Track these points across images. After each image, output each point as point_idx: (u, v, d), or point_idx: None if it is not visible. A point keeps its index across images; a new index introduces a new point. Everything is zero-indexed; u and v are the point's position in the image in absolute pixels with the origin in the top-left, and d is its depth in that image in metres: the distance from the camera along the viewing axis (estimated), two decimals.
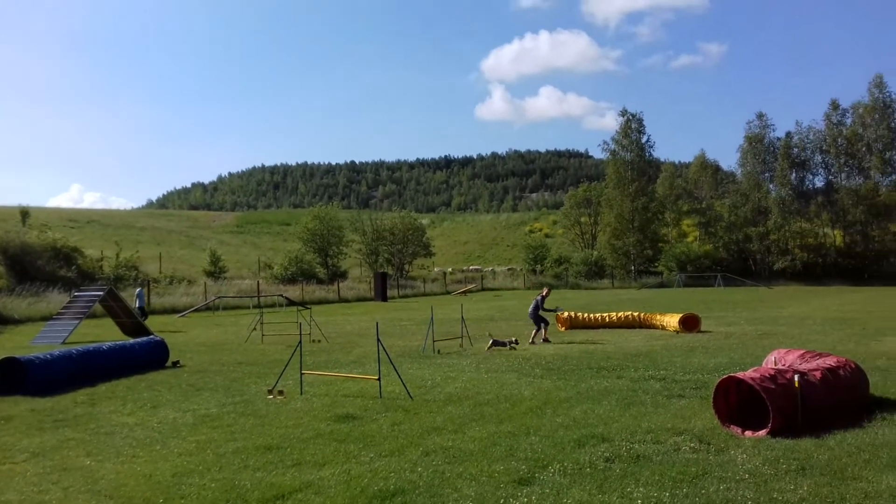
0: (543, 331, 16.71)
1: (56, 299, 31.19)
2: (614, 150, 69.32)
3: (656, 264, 67.45)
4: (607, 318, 20.21)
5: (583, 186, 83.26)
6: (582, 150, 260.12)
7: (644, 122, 68.89)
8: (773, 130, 67.10)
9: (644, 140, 68.59)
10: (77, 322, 20.24)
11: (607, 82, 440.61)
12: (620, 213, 66.36)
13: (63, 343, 18.19)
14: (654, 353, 13.76)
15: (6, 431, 8.05)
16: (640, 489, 5.36)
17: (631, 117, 68.79)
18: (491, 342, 15.45)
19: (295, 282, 47.82)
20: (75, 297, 22.85)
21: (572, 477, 5.73)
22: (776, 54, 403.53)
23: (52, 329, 19.95)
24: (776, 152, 65.65)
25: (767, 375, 7.34)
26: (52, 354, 11.84)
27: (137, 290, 26.74)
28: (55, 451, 7.05)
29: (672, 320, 18.73)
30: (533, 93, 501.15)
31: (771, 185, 66.43)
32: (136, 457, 6.76)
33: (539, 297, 17.38)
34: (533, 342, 16.30)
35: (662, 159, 76.01)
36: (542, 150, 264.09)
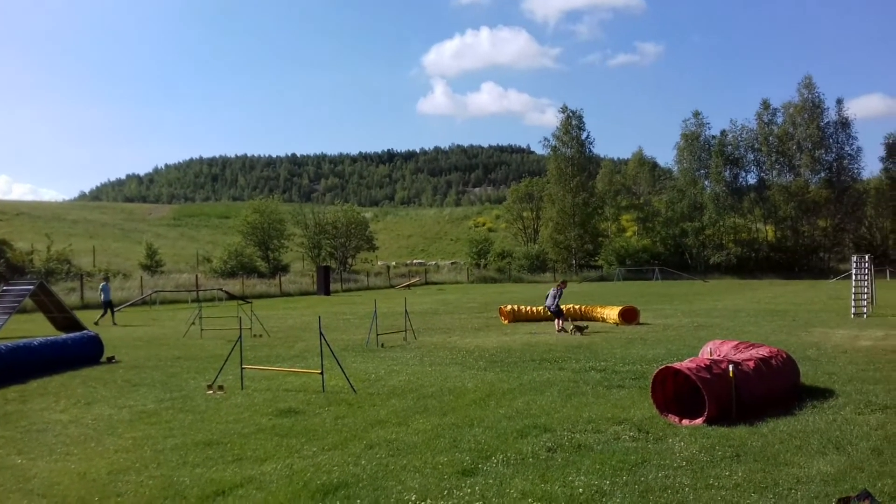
0: (561, 321, 17.43)
1: None
2: (555, 147, 70.23)
3: (596, 258, 68.71)
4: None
5: (525, 181, 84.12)
6: (524, 145, 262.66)
7: (584, 119, 70.06)
8: (709, 129, 69.08)
9: (584, 136, 69.77)
10: (6, 317, 19.46)
11: (547, 79, 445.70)
12: (562, 208, 67.31)
13: None
14: (595, 346, 14.00)
15: None
16: (582, 478, 5.45)
17: (571, 114, 69.80)
18: (573, 326, 16.86)
19: (235, 276, 47.05)
20: (4, 291, 21.95)
21: (515, 467, 5.79)
22: (711, 55, 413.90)
23: None
24: (711, 150, 67.47)
25: (703, 365, 7.54)
26: None
27: (102, 284, 25.33)
28: None
29: (612, 313, 19.09)
30: (474, 88, 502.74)
31: (706, 182, 68.34)
32: (70, 455, 6.55)
33: (557, 290, 18.02)
34: (563, 330, 17.06)
35: (602, 155, 77.65)
36: (485, 144, 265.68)
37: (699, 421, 7.16)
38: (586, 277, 61.90)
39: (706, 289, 41.86)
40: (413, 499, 5.06)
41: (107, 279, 25.98)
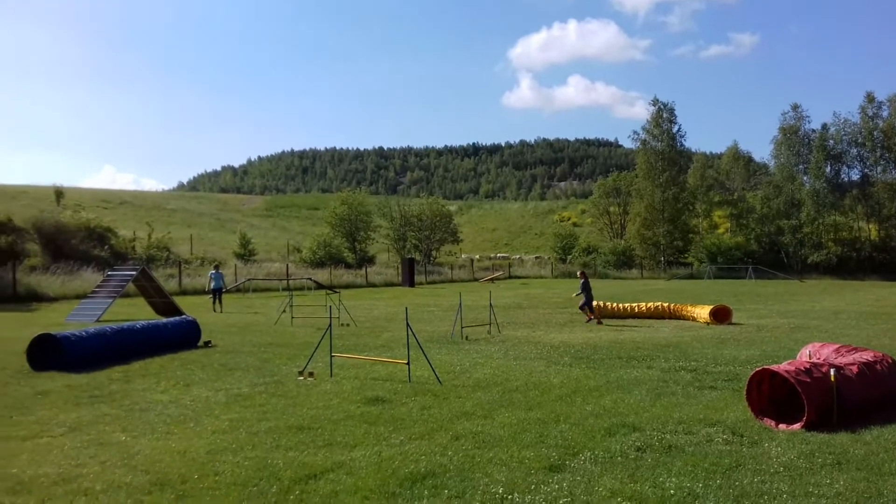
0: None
1: (90, 278, 31.79)
2: (645, 140, 68.67)
3: (686, 255, 66.87)
4: (636, 309, 20.08)
5: (612, 176, 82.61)
6: (611, 139, 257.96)
7: (675, 112, 68.15)
8: (808, 122, 65.99)
9: (675, 130, 67.92)
10: (111, 301, 20.57)
11: (636, 72, 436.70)
12: (650, 203, 65.79)
13: (97, 321, 18.52)
14: (685, 344, 13.64)
15: (44, 406, 8.21)
16: (673, 479, 5.33)
17: (662, 107, 68.07)
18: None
19: (323, 266, 48.19)
20: (109, 276, 23.21)
21: (603, 465, 5.71)
22: (810, 45, 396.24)
23: (86, 307, 20.32)
24: (811, 144, 64.49)
25: (803, 369, 7.23)
26: (86, 332, 12.03)
27: (212, 271, 25.22)
28: (91, 426, 7.18)
29: (703, 312, 18.55)
30: (561, 81, 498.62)
31: (805, 178, 65.36)
32: (171, 433, 6.86)
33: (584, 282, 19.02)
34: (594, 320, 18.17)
35: (694, 150, 75.16)
36: (571, 138, 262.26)
37: (797, 426, 6.88)
38: (675, 275, 60.33)
39: (803, 289, 40.11)
40: (500, 492, 5.06)
41: (217, 267, 25.90)
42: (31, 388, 9.26)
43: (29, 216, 40.16)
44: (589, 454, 6.00)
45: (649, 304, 20.23)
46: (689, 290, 37.08)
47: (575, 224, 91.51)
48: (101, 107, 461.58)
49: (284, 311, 19.90)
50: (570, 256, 68.17)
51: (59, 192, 54.05)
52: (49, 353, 11.05)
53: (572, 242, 71.61)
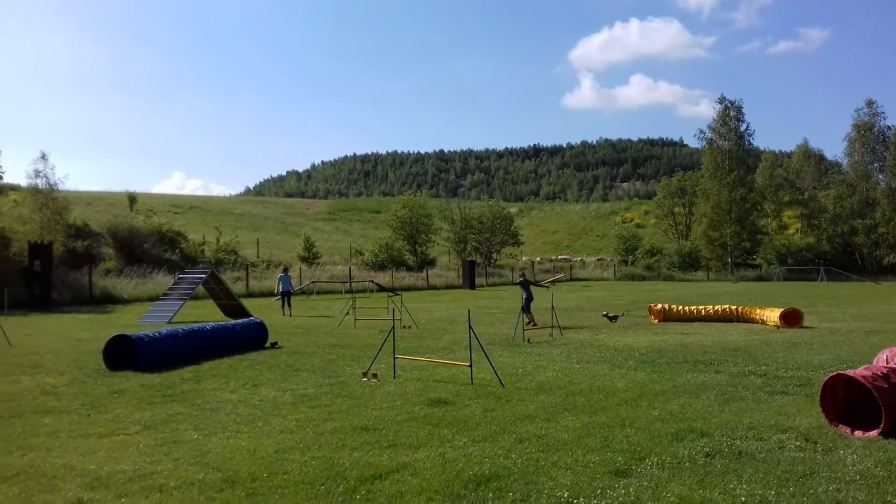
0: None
1: (161, 281, 32.85)
2: (711, 139, 67.07)
3: (754, 257, 65.01)
4: (703, 311, 19.63)
5: (677, 176, 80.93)
6: (675, 138, 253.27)
7: (743, 110, 66.37)
8: (884, 118, 63.28)
9: (743, 128, 66.09)
10: (182, 303, 21.20)
11: (701, 69, 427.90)
12: (717, 204, 64.22)
13: (169, 322, 19.11)
14: (754, 348, 13.27)
15: (119, 404, 8.52)
16: (744, 486, 5.20)
17: (729, 105, 66.39)
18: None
19: (385, 268, 48.62)
20: (180, 279, 23.95)
21: (671, 470, 5.61)
22: (883, 39, 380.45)
23: (158, 309, 20.98)
24: (887, 141, 61.91)
25: (880, 374, 6.95)
26: (159, 333, 12.43)
27: (280, 275, 24.92)
28: (165, 424, 7.42)
29: (772, 315, 18.01)
30: (623, 81, 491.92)
31: (880, 176, 62.78)
32: (240, 432, 7.03)
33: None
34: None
35: (762, 148, 73.05)
36: (634, 138, 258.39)
37: (874, 433, 6.62)
38: (743, 277, 58.73)
39: (878, 291, 38.54)
40: (566, 496, 5.02)
41: (285, 270, 25.91)
42: (108, 387, 9.62)
43: (104, 221, 41.77)
44: (656, 459, 5.90)
45: (716, 307, 19.75)
46: (757, 293, 36.05)
47: (638, 225, 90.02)
48: (172, 115, 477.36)
49: (348, 313, 20.18)
50: (634, 258, 67.06)
51: (132, 198, 56.05)
52: (124, 354, 11.46)
53: (636, 244, 70.39)
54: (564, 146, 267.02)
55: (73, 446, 6.53)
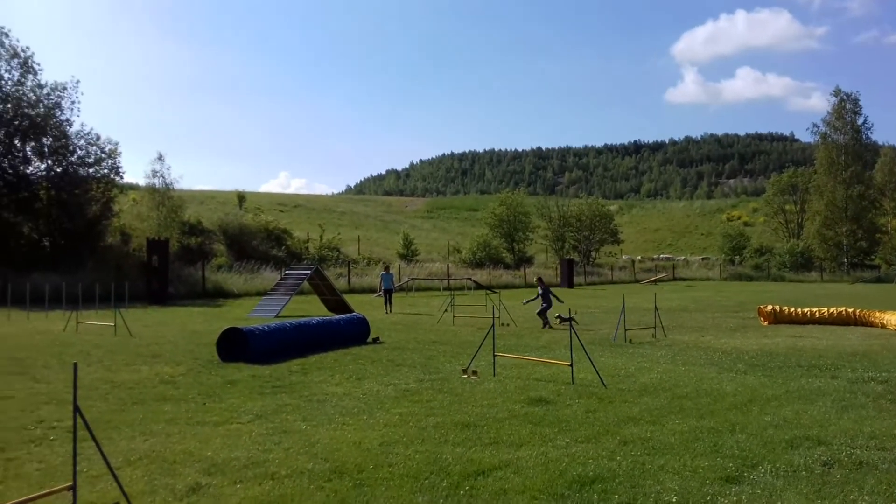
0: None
1: (268, 276, 34.11)
2: (825, 133, 63.67)
3: (873, 257, 61.33)
4: (817, 314, 18.66)
5: (788, 172, 77.29)
6: (786, 132, 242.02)
7: (860, 103, 62.65)
8: None
9: (860, 122, 62.44)
10: (288, 298, 21.95)
11: (812, 61, 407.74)
12: (832, 201, 60.92)
13: (276, 316, 19.82)
14: (874, 353, 12.51)
15: (232, 394, 8.90)
16: (865, 497, 4.92)
17: (845, 97, 62.85)
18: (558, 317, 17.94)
19: (482, 266, 48.74)
20: (286, 275, 24.81)
21: (786, 479, 5.37)
22: None
23: (266, 303, 21.81)
24: None
25: None
26: (268, 326, 12.92)
27: (382, 272, 24.92)
28: (275, 415, 7.70)
29: (893, 318, 16.93)
30: (729, 74, 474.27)
31: None
32: (346, 424, 7.22)
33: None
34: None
35: (881, 143, 68.77)
36: (741, 133, 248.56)
37: None
38: (860, 278, 55.48)
39: None
40: (674, 501, 4.89)
41: (387, 268, 25.94)
42: (221, 378, 10.07)
43: (215, 219, 43.72)
44: (769, 467, 5.67)
45: (831, 309, 18.74)
46: (876, 295, 33.95)
47: (746, 223, 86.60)
48: (278, 117, 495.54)
49: (446, 310, 20.33)
50: (741, 258, 64.51)
51: (241, 197, 58.40)
52: (236, 346, 11.96)
53: (743, 243, 67.70)
54: (667, 142, 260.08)
55: (191, 433, 6.87)
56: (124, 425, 7.17)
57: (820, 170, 63.97)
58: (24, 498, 4.63)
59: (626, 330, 14.94)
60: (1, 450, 6.21)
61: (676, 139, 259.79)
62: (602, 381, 9.40)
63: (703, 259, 71.02)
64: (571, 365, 9.73)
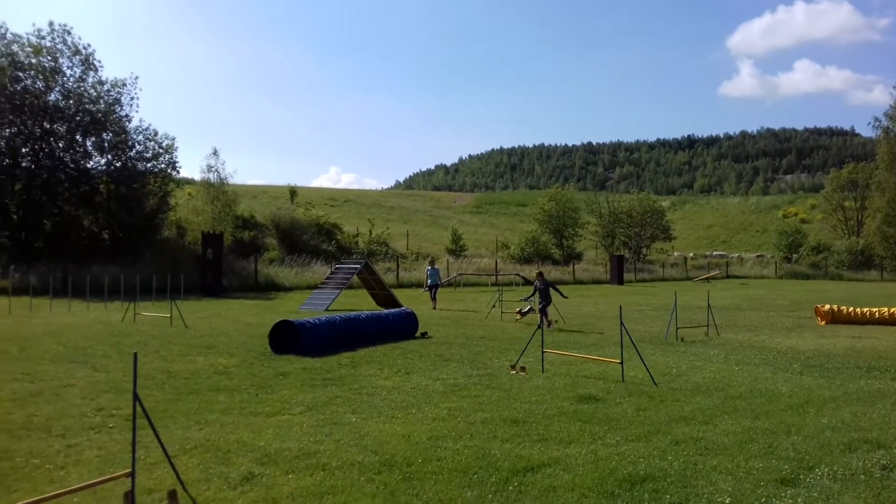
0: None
1: (319, 270, 34.52)
2: (887, 128, 61.34)
3: None
4: (877, 314, 18.08)
5: (847, 167, 74.75)
6: (846, 127, 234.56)
7: None
8: None
9: None
10: (338, 292, 22.19)
11: (874, 54, 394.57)
12: (894, 198, 58.78)
13: (326, 310, 20.06)
14: None
15: (284, 386, 9.05)
16: None
17: None
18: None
19: (531, 262, 48.45)
20: (336, 269, 25.08)
21: (843, 482, 5.23)
22: None
23: (317, 297, 22.09)
24: None
25: None
26: (319, 320, 13.08)
27: (428, 268, 24.43)
28: (325, 407, 7.80)
29: None
30: (786, 67, 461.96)
31: None
32: (395, 418, 7.27)
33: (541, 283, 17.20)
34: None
35: None
36: (799, 127, 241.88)
37: None
38: None
39: None
40: (727, 502, 4.81)
41: (432, 262, 25.35)
42: (273, 370, 10.25)
43: (268, 213, 44.40)
44: (826, 469, 5.52)
45: (892, 309, 18.13)
46: None
47: (803, 220, 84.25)
48: (329, 113, 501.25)
49: (494, 305, 20.31)
50: (798, 255, 62.82)
51: (292, 191, 59.17)
52: (287, 338, 12.15)
53: (800, 240, 65.84)
54: (721, 136, 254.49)
55: (244, 423, 7.02)
56: (180, 414, 7.35)
57: (881, 165, 61.76)
58: (84, 483, 4.80)
59: (677, 328, 14.71)
60: (62, 436, 6.43)
61: (731, 134, 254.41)
62: (653, 379, 9.28)
63: (757, 257, 69.36)
64: (622, 362, 9.63)
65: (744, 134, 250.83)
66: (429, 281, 23.84)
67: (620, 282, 43.96)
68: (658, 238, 64.21)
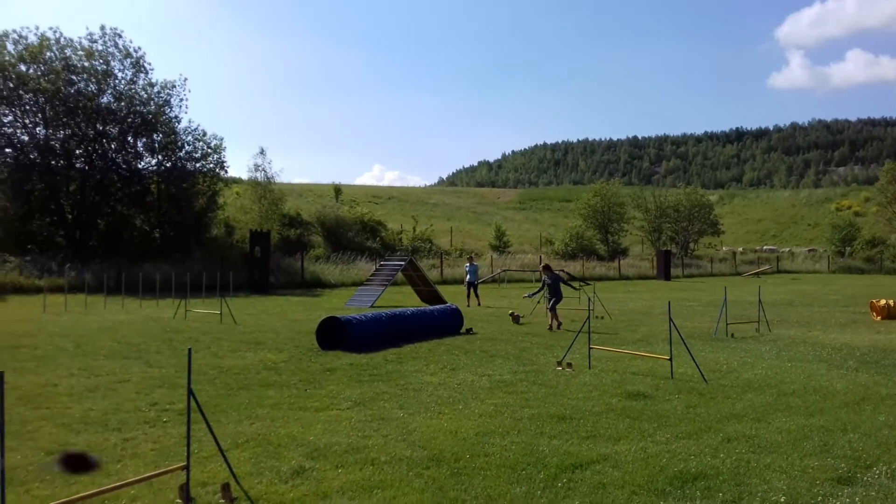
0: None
1: (363, 267, 34.79)
2: None
3: None
4: None
5: None
6: None
7: None
8: None
9: None
10: (383, 288, 22.34)
11: None
12: None
13: (372, 306, 20.21)
14: None
15: (331, 381, 9.15)
16: None
17: None
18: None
19: (575, 258, 48.11)
20: (381, 265, 25.24)
21: None
22: None
23: (362, 294, 22.27)
24: None
25: None
26: (365, 316, 13.19)
27: (467, 265, 23.70)
28: (373, 402, 7.87)
29: None
30: (838, 57, 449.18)
31: None
32: (442, 413, 7.30)
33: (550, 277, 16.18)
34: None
35: None
36: (852, 118, 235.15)
37: None
38: None
39: None
40: (781, 501, 4.72)
41: (471, 259, 24.72)
42: (321, 365, 10.36)
43: (313, 211, 44.91)
44: (884, 468, 5.38)
45: None
46: None
47: (857, 213, 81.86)
48: (371, 111, 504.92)
49: (539, 301, 20.19)
50: (851, 249, 61.11)
51: (337, 189, 59.74)
52: (334, 335, 12.27)
53: (853, 234, 64.06)
54: (771, 129, 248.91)
55: (294, 418, 7.11)
56: (231, 409, 7.49)
57: None
58: (140, 476, 4.93)
59: (727, 324, 14.45)
60: (118, 430, 6.61)
61: (782, 126, 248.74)
62: (703, 375, 9.14)
63: (809, 251, 67.67)
64: (671, 359, 9.50)
65: (794, 126, 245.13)
66: (468, 278, 23.28)
67: (667, 277, 43.35)
68: (706, 233, 63.14)
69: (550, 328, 15.31)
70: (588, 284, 30.97)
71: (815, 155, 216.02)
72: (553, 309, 15.47)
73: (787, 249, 69.82)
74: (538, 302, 18.66)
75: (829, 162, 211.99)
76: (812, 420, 6.98)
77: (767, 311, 16.74)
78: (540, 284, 15.84)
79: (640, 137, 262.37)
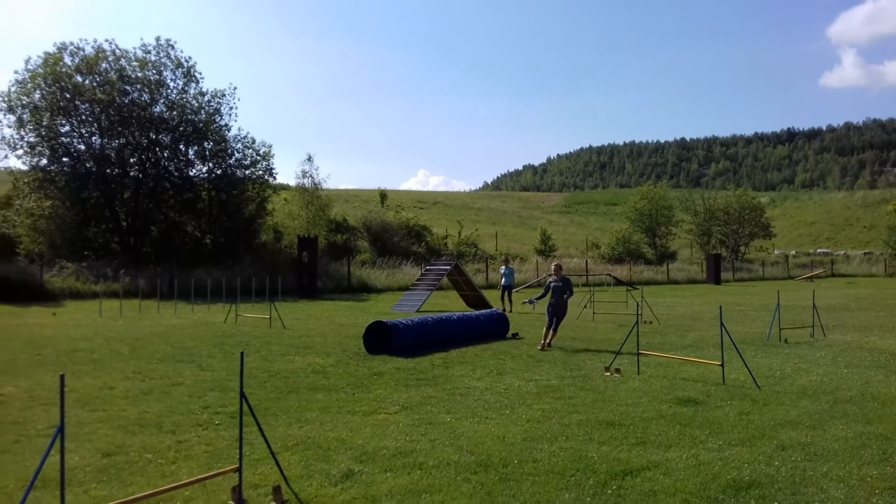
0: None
1: (409, 272, 34.96)
2: None
3: None
4: None
5: None
6: None
7: None
8: None
9: None
10: (429, 293, 22.40)
11: None
12: None
13: (417, 311, 20.28)
14: None
15: (379, 385, 9.21)
16: None
17: None
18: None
19: (622, 262, 47.59)
20: (427, 270, 25.33)
21: None
22: None
23: (408, 298, 22.36)
24: None
25: None
26: (411, 321, 13.24)
27: (502, 268, 23.04)
28: (420, 406, 7.89)
29: None
30: (892, 55, 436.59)
31: None
32: (489, 418, 7.29)
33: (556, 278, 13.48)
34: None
35: None
36: None
37: None
38: None
39: None
40: None
41: (507, 262, 24.50)
42: (368, 370, 10.44)
43: (359, 216, 45.33)
44: None
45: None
46: None
47: None
48: (416, 116, 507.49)
49: (586, 306, 20.03)
50: None
51: (382, 195, 60.19)
52: (381, 339, 12.35)
53: None
54: (824, 129, 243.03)
55: (342, 421, 7.18)
56: (281, 412, 7.60)
57: None
58: (194, 478, 5.03)
59: (780, 329, 14.13)
60: (172, 432, 6.75)
61: (835, 126, 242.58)
62: (756, 382, 8.95)
63: (865, 254, 65.74)
64: (722, 365, 9.33)
65: (848, 125, 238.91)
66: (503, 281, 22.49)
67: (717, 281, 42.59)
68: (757, 236, 61.82)
69: (542, 348, 12.68)
70: (636, 289, 30.62)
71: (870, 155, 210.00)
72: (555, 328, 12.99)
73: (842, 252, 67.95)
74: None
75: (885, 162, 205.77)
76: (870, 428, 6.78)
77: (822, 315, 16.32)
78: (543, 289, 13.64)
79: (688, 139, 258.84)
